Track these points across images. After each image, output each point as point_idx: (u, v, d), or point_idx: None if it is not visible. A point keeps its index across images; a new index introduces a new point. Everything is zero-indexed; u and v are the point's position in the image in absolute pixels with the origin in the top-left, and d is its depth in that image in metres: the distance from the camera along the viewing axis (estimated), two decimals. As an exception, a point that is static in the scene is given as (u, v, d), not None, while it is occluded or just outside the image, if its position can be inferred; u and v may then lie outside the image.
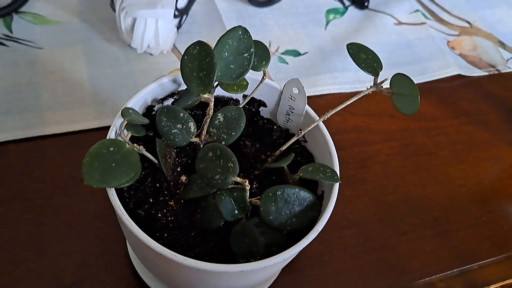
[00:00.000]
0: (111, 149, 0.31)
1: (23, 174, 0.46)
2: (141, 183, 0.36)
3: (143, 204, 0.35)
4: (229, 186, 0.32)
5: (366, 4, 0.70)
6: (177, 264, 0.30)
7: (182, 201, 0.35)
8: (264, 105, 0.42)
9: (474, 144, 0.59)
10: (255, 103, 0.42)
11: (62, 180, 0.46)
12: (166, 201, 0.35)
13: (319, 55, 0.63)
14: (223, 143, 0.36)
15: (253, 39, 0.35)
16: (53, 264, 0.42)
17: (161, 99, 0.39)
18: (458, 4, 0.76)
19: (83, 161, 0.30)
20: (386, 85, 0.36)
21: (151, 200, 0.35)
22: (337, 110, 0.37)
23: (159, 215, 0.34)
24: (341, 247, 0.47)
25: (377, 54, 0.37)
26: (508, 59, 0.70)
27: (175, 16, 0.56)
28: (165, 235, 0.34)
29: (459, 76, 0.66)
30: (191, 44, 0.34)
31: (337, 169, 0.36)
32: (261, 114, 0.43)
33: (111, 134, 0.34)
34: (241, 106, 0.40)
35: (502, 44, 0.72)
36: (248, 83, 0.39)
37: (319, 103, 0.58)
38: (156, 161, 0.35)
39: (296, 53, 0.63)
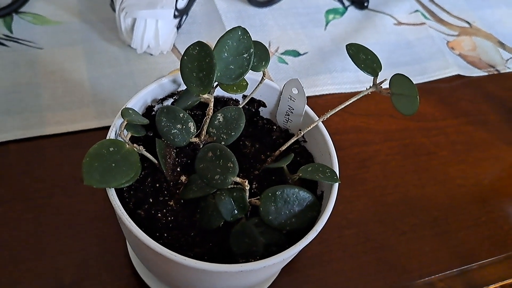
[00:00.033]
0: (111, 149, 0.31)
1: (23, 174, 0.46)
2: (141, 183, 0.36)
3: (143, 204, 0.35)
4: (229, 186, 0.32)
5: (365, 4, 0.71)
6: (177, 264, 0.30)
7: (182, 201, 0.35)
8: (264, 105, 0.42)
9: (473, 144, 0.59)
10: (254, 103, 0.42)
11: (62, 180, 0.47)
12: (166, 201, 0.35)
13: (319, 55, 0.63)
14: (223, 143, 0.36)
15: (253, 39, 0.35)
16: (53, 264, 0.42)
17: (161, 99, 0.39)
18: (457, 5, 0.76)
19: (83, 161, 0.30)
20: (385, 85, 0.36)
21: (151, 200, 0.35)
22: (336, 110, 0.37)
23: (159, 215, 0.34)
24: (340, 247, 0.47)
25: (377, 55, 0.37)
26: (508, 59, 0.70)
27: (175, 17, 0.56)
28: (165, 235, 0.34)
29: (458, 76, 0.66)
30: (191, 45, 0.34)
31: (336, 169, 0.36)
32: (260, 114, 0.43)
33: (111, 134, 0.34)
34: (240, 106, 0.40)
35: (501, 44, 0.72)
36: (247, 84, 0.39)
37: (319, 103, 0.58)
38: (156, 161, 0.35)
39: (295, 53, 0.63)
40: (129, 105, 0.36)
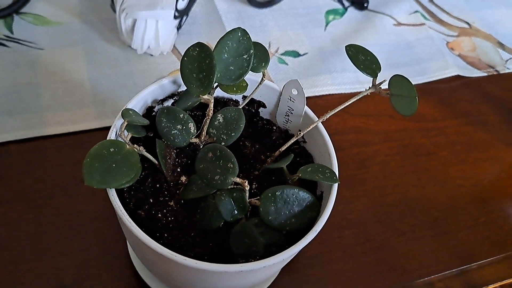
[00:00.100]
0: (112, 150, 0.32)
1: (24, 174, 0.46)
2: (141, 183, 0.36)
3: (143, 205, 0.35)
4: (229, 187, 0.33)
5: (365, 5, 0.71)
6: (177, 264, 0.30)
7: (182, 201, 0.35)
8: (264, 106, 0.42)
9: (473, 144, 0.59)
10: (254, 104, 0.42)
11: (62, 180, 0.47)
12: (166, 201, 0.35)
13: (319, 56, 0.63)
14: (223, 143, 0.36)
15: (253, 40, 0.36)
16: (53, 264, 0.42)
17: (161, 100, 0.39)
18: (457, 5, 0.76)
19: (83, 162, 0.30)
20: (384, 86, 0.36)
21: (151, 201, 0.35)
22: (336, 110, 0.37)
23: (159, 215, 0.35)
24: (340, 247, 0.48)
25: (376, 55, 0.37)
26: (507, 60, 0.70)
27: (175, 17, 0.56)
28: (165, 235, 0.34)
29: (458, 77, 0.66)
30: (191, 46, 0.34)
31: (336, 169, 0.36)
32: (260, 115, 0.43)
33: (111, 135, 0.34)
34: (240, 107, 0.40)
35: (501, 45, 0.72)
36: (247, 84, 0.39)
37: (319, 103, 0.58)
38: (156, 162, 0.35)
39: (295, 54, 0.63)
40: (129, 106, 0.36)
